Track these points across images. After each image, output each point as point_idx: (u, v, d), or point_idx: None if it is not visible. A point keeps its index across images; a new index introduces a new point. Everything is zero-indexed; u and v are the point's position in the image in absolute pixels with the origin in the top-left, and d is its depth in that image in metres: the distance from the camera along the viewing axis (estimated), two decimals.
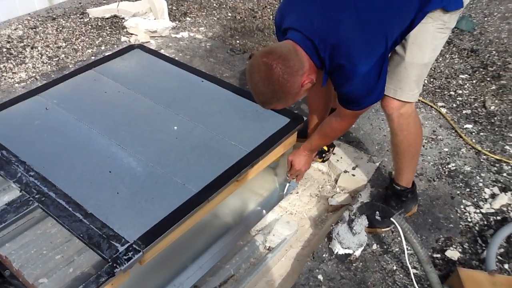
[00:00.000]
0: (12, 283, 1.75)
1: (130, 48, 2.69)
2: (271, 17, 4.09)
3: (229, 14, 4.16)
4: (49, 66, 3.27)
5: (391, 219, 1.69)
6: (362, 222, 1.84)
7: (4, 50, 3.44)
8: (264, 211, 2.32)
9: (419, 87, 1.82)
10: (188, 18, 4.07)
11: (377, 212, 1.79)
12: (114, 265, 1.47)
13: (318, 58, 1.60)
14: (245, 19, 4.08)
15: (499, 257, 1.98)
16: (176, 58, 3.19)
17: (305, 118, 2.18)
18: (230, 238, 2.13)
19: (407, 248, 1.82)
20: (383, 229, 2.07)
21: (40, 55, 3.39)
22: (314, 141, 2.07)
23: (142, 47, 2.71)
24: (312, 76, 1.63)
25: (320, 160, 2.40)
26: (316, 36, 1.56)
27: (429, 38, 1.70)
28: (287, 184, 2.34)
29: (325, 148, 2.34)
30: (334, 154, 2.52)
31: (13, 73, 3.19)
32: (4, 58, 3.35)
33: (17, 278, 1.61)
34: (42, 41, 3.56)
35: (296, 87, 1.59)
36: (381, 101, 1.83)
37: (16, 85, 3.08)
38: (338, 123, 1.91)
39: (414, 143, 1.93)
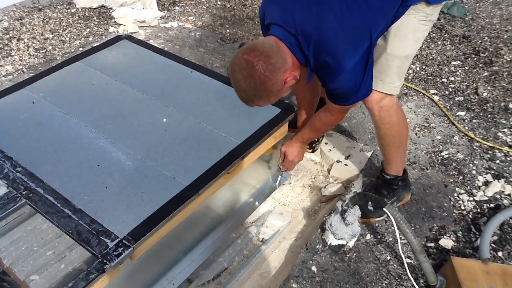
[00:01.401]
0: (4, 280, 1.73)
1: (118, 39, 2.63)
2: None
3: (219, 3, 4.10)
4: (36, 59, 3.21)
5: (384, 209, 1.68)
6: (355, 213, 1.83)
7: None
8: (257, 202, 2.30)
9: (401, 79, 1.80)
10: (177, 7, 4.01)
11: (370, 202, 1.77)
12: (104, 261, 1.44)
13: (302, 55, 1.57)
14: (235, 7, 4.03)
15: (492, 244, 1.98)
16: (165, 48, 3.15)
17: (296, 108, 2.15)
18: (223, 230, 2.11)
19: (400, 238, 1.81)
20: (376, 219, 2.06)
21: (26, 47, 3.32)
22: (305, 134, 2.06)
23: (130, 37, 2.65)
24: (296, 73, 1.60)
25: (310, 150, 2.38)
26: (299, 33, 1.53)
27: (411, 30, 1.68)
28: (280, 175, 2.32)
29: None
30: (326, 144, 2.50)
31: None
32: None
33: (9, 274, 1.58)
34: (29, 33, 3.49)
35: (278, 84, 1.56)
36: None
37: (3, 78, 3.02)
38: (327, 117, 1.89)
39: (398, 134, 1.92)
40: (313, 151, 2.42)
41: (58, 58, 3.21)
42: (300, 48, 1.55)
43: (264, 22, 1.69)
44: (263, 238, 2.12)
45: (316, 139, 2.33)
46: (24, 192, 1.68)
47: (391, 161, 2.04)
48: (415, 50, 1.78)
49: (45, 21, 3.67)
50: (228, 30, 3.69)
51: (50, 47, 3.34)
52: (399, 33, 1.68)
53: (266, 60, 1.50)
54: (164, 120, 2.03)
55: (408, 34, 1.69)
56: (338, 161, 2.43)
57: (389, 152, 2.00)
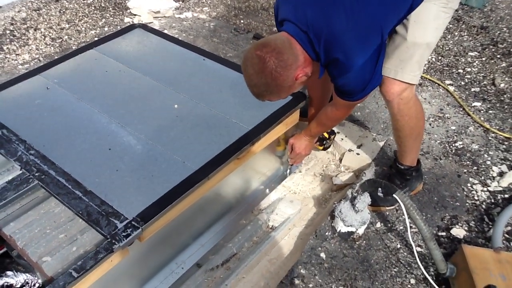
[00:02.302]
0: (19, 263, 1.77)
1: (132, 27, 2.66)
2: None
3: None
4: (52, 48, 3.25)
5: (394, 195, 1.66)
6: (364, 200, 1.81)
7: (8, 32, 3.43)
8: (267, 190, 2.30)
9: (421, 68, 1.76)
10: None
11: (380, 189, 1.76)
12: (113, 241, 1.46)
13: (313, 51, 1.57)
14: None
15: (506, 235, 1.94)
16: (180, 39, 3.16)
17: (307, 96, 2.14)
18: (233, 216, 2.12)
19: (410, 226, 1.80)
20: (387, 208, 2.04)
21: (43, 37, 3.37)
22: (313, 128, 2.06)
23: (144, 26, 2.67)
24: (307, 69, 1.59)
25: (321, 147, 2.35)
26: (310, 30, 1.52)
27: (431, 17, 1.64)
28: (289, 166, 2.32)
29: (326, 135, 2.29)
30: (338, 132, 2.48)
31: (16, 55, 3.18)
32: (8, 40, 3.34)
33: (23, 257, 1.61)
34: (45, 23, 3.54)
35: (289, 80, 1.56)
36: (380, 86, 1.78)
37: (20, 66, 3.07)
38: (333, 112, 1.89)
39: (416, 126, 1.89)
40: (324, 149, 2.39)
41: (73, 47, 3.25)
42: (312, 45, 1.55)
43: (277, 18, 1.69)
44: (272, 225, 2.12)
45: (327, 137, 2.30)
46: (36, 174, 1.71)
47: (406, 152, 2.01)
48: (436, 38, 1.74)
49: (61, 11, 3.71)
50: (242, 21, 3.68)
51: (66, 37, 3.38)
52: (419, 20, 1.64)
53: (278, 56, 1.50)
54: (176, 106, 2.05)
55: (429, 22, 1.65)
56: (350, 150, 2.41)
57: (405, 144, 1.97)
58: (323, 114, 1.96)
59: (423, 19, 1.64)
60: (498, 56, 3.18)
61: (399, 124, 1.88)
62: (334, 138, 2.39)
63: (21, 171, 1.74)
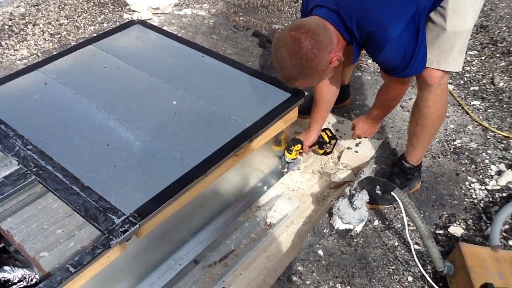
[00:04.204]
0: (17, 258, 1.76)
1: (131, 23, 2.65)
2: None
3: None
4: (51, 43, 3.24)
5: (392, 193, 1.66)
6: (362, 197, 1.81)
7: (6, 27, 3.42)
8: (265, 187, 2.30)
9: (463, 55, 1.72)
10: None
11: (378, 186, 1.75)
12: (110, 237, 1.46)
13: (346, 30, 1.55)
14: None
15: (503, 233, 1.94)
16: (179, 35, 3.15)
17: (306, 94, 2.14)
18: (231, 213, 2.12)
19: (408, 224, 1.80)
20: (386, 206, 2.04)
21: (42, 32, 3.36)
22: (374, 111, 2.04)
23: (142, 22, 2.67)
24: (340, 53, 1.58)
25: (321, 151, 2.35)
26: (340, 7, 1.50)
27: (469, 2, 1.60)
28: (287, 162, 2.31)
29: (326, 138, 2.28)
30: (337, 130, 2.48)
31: (15, 50, 3.17)
32: (6, 35, 3.33)
33: (21, 253, 1.61)
34: (44, 18, 3.53)
35: (324, 63, 1.53)
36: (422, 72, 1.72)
37: (18, 62, 3.06)
38: (388, 92, 1.86)
39: (441, 115, 1.86)
40: (324, 153, 2.39)
41: (72, 43, 3.25)
42: (344, 23, 1.53)
43: (307, 8, 1.67)
44: (270, 222, 2.12)
45: (327, 141, 2.29)
46: (34, 169, 1.70)
47: (417, 146, 1.98)
48: (474, 23, 1.70)
49: (60, 7, 3.70)
50: (241, 18, 3.68)
51: (65, 33, 3.37)
52: (457, 9, 1.60)
53: (314, 37, 1.48)
54: (174, 102, 2.04)
55: (467, 9, 1.61)
56: (348, 148, 2.41)
57: (424, 135, 1.92)
58: (380, 95, 1.94)
59: (462, 6, 1.60)
60: (498, 55, 3.18)
61: (429, 111, 1.82)
62: (335, 144, 2.37)
63: (18, 166, 1.74)
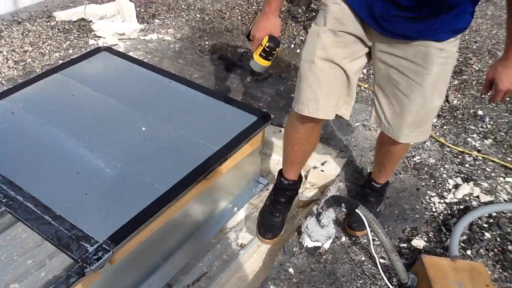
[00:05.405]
0: None
1: (97, 50, 2.67)
2: (239, 17, 4.12)
3: (198, 16, 4.17)
4: (15, 71, 3.22)
5: (356, 210, 1.74)
6: (329, 215, 1.89)
7: None
8: (235, 208, 2.34)
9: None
10: (156, 20, 4.07)
11: (343, 204, 1.83)
12: (84, 265, 1.47)
13: None
14: (214, 20, 4.10)
15: (462, 244, 2.05)
16: (145, 60, 3.19)
17: (272, 116, 2.21)
18: (202, 236, 2.15)
19: (373, 239, 1.88)
20: (361, 232, 2.07)
21: (5, 60, 3.33)
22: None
23: (109, 49, 2.70)
24: None
25: (268, 62, 1.86)
26: None
27: (448, 78, 1.68)
28: (258, 182, 2.38)
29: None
30: None
31: None
32: None
33: None
34: (8, 46, 3.50)
35: None
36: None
37: None
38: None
39: (408, 145, 1.96)
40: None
41: (37, 70, 3.23)
42: None
43: None
44: (241, 243, 2.16)
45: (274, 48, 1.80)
46: (3, 200, 1.69)
47: (385, 174, 2.11)
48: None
49: (24, 34, 3.68)
50: (207, 42, 3.75)
51: (30, 60, 3.35)
52: (437, 88, 1.64)
53: None
54: (143, 128, 2.08)
55: (444, 84, 1.68)
56: (314, 167, 2.49)
57: (391, 164, 2.06)
58: None
59: (441, 85, 1.65)
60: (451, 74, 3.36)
61: (401, 151, 1.98)
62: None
63: None
